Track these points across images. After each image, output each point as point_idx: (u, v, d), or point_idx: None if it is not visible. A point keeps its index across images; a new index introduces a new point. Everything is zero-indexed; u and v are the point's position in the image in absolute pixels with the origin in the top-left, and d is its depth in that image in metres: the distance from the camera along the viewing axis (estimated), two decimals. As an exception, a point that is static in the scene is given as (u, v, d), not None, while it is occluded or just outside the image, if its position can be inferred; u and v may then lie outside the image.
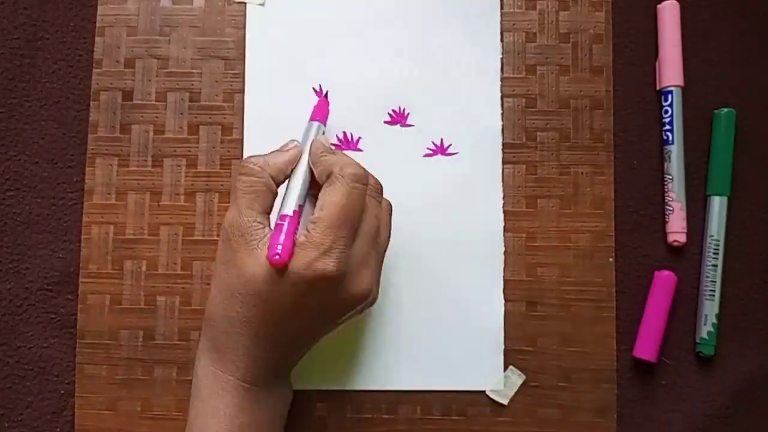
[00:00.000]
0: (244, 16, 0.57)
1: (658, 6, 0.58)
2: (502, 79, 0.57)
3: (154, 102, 0.56)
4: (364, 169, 0.46)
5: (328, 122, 0.56)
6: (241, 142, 0.56)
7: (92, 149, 0.56)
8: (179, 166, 0.56)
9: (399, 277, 0.55)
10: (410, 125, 0.56)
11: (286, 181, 0.48)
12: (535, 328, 0.55)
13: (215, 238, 0.55)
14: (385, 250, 0.49)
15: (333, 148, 0.49)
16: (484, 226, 0.56)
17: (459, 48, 0.57)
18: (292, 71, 0.57)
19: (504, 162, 0.56)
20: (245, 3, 0.57)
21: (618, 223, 0.56)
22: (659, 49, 0.58)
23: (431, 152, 0.56)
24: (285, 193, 0.47)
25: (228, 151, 0.56)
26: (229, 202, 0.55)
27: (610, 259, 0.56)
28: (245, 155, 0.56)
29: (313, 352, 0.54)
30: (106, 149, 0.56)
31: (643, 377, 0.55)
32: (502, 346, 0.55)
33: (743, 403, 0.56)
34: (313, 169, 0.48)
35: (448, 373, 0.55)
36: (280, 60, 0.57)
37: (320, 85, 0.56)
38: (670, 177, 0.56)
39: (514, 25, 0.58)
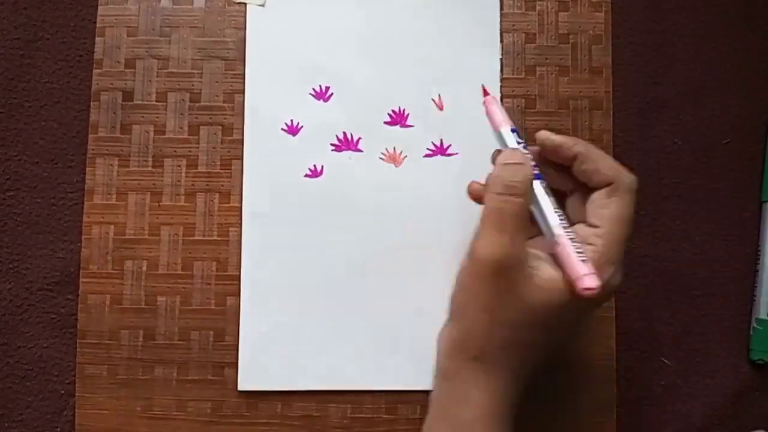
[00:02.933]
0: (245, 16, 0.57)
1: None
2: (502, 79, 0.57)
3: (154, 102, 0.56)
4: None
5: (329, 122, 0.56)
6: (241, 142, 0.56)
7: (93, 149, 0.56)
8: (180, 166, 0.56)
9: (399, 278, 0.55)
10: (410, 126, 0.57)
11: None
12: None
13: (215, 238, 0.55)
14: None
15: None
16: (484, 227, 0.56)
17: (459, 49, 0.57)
18: (293, 72, 0.57)
19: (504, 162, 0.57)
20: (245, 4, 0.57)
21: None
22: None
23: (431, 153, 0.56)
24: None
25: (228, 152, 0.56)
26: (228, 203, 0.56)
27: (610, 260, 0.56)
28: (245, 156, 0.56)
29: (312, 353, 0.54)
30: (107, 149, 0.56)
31: (643, 378, 0.56)
32: (502, 346, 0.55)
33: (742, 404, 0.56)
34: (580, 166, 0.45)
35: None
36: (281, 60, 0.57)
37: (321, 86, 0.56)
38: None
39: (513, 25, 0.58)
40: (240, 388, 0.54)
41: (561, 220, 0.44)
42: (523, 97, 0.57)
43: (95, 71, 0.57)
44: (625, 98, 0.58)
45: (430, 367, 0.54)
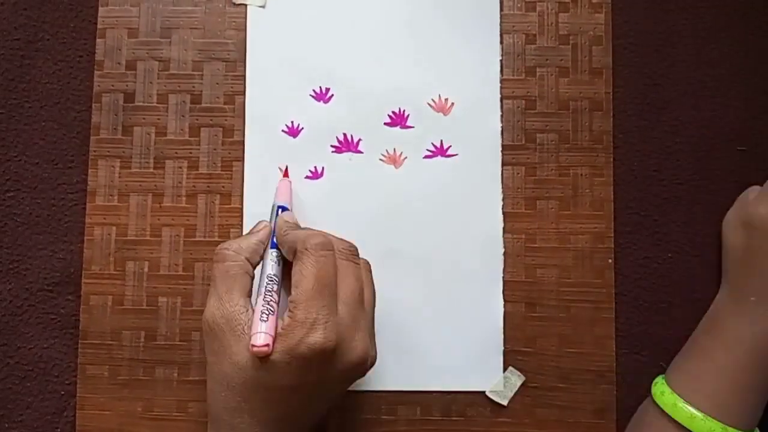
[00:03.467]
0: (245, 18, 0.57)
1: None
2: (502, 80, 0.57)
3: (155, 104, 0.57)
4: (328, 236, 0.47)
5: (329, 123, 0.56)
6: (242, 143, 0.56)
7: (94, 151, 0.56)
8: (181, 167, 0.56)
9: (399, 278, 0.55)
10: (410, 127, 0.57)
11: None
12: (534, 329, 0.55)
13: (217, 239, 0.55)
14: (373, 309, 0.49)
15: (297, 224, 0.50)
16: (484, 228, 0.56)
17: (459, 50, 0.57)
18: (293, 73, 0.57)
19: (503, 163, 0.57)
20: (246, 5, 0.57)
21: (617, 224, 0.56)
22: None
23: (431, 154, 0.56)
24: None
25: (229, 153, 0.56)
26: (229, 204, 0.56)
27: (610, 261, 0.56)
28: (246, 157, 0.56)
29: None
30: (108, 151, 0.56)
31: (643, 381, 0.56)
32: (502, 347, 0.55)
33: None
34: (281, 250, 0.48)
35: (448, 373, 0.55)
36: (281, 62, 0.57)
37: (321, 87, 0.56)
38: None
39: (513, 26, 0.58)
40: (241, 388, 0.54)
41: (269, 286, 0.46)
42: (524, 98, 0.57)
43: (96, 73, 0.57)
44: (626, 99, 0.58)
45: (430, 368, 0.55)
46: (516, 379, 0.55)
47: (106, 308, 0.55)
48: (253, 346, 0.42)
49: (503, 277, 0.56)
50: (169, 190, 0.56)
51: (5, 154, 0.56)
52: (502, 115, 0.57)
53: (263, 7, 0.57)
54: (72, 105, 0.57)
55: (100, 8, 0.57)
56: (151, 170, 0.56)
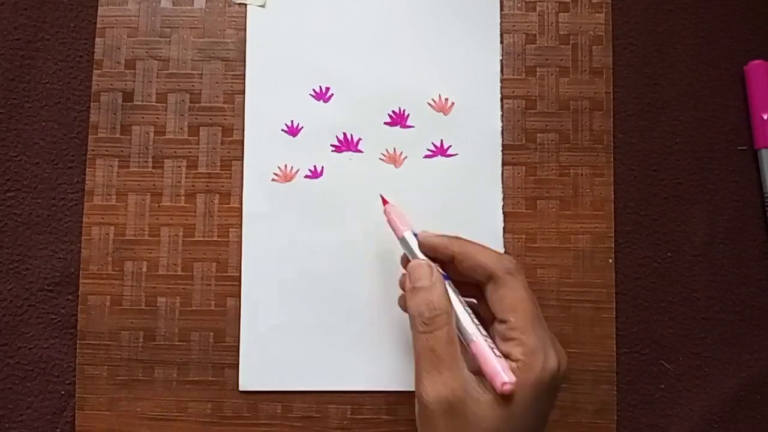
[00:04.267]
0: (245, 17, 0.57)
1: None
2: (502, 80, 0.57)
3: (154, 103, 0.57)
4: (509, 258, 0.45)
5: (329, 122, 0.56)
6: (241, 143, 0.56)
7: (93, 150, 0.56)
8: (180, 167, 0.56)
9: (398, 278, 0.55)
10: (410, 126, 0.57)
11: None
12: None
13: (216, 239, 0.55)
14: None
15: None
16: (484, 228, 0.56)
17: (459, 49, 0.57)
18: (293, 73, 0.57)
19: (504, 163, 0.57)
20: (246, 4, 0.57)
21: (617, 224, 0.56)
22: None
23: (431, 153, 0.56)
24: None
25: (228, 153, 0.56)
26: (229, 203, 0.56)
27: (610, 261, 0.56)
28: (246, 157, 0.56)
29: (313, 353, 0.54)
30: (107, 150, 0.56)
31: (643, 381, 0.56)
32: (502, 347, 0.55)
33: (741, 407, 0.56)
34: (460, 264, 0.46)
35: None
36: (281, 61, 0.57)
37: (321, 87, 0.56)
38: None
39: (513, 26, 0.58)
40: (240, 388, 0.54)
41: (473, 320, 0.44)
42: (524, 98, 0.57)
43: (95, 72, 0.57)
44: (626, 99, 0.58)
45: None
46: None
47: (105, 308, 0.55)
48: (504, 384, 0.40)
49: (503, 277, 0.56)
50: (168, 189, 0.56)
51: (5, 154, 0.56)
52: (502, 115, 0.57)
53: (263, 6, 0.57)
54: (72, 105, 0.57)
55: (99, 8, 0.57)
56: (150, 169, 0.56)
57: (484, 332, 0.44)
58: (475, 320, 0.44)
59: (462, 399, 0.41)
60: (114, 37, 0.57)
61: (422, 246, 0.48)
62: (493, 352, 0.42)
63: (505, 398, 0.41)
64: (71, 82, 0.57)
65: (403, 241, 0.49)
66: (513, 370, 0.41)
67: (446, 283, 0.45)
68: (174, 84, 0.57)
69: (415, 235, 0.49)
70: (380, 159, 0.56)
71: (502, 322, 0.43)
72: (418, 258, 0.47)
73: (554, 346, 0.43)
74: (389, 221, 0.50)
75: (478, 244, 0.47)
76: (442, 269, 0.47)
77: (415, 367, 0.43)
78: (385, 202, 0.51)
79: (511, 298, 0.43)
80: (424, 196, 0.56)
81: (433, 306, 0.43)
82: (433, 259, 0.47)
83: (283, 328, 0.55)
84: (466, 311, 0.44)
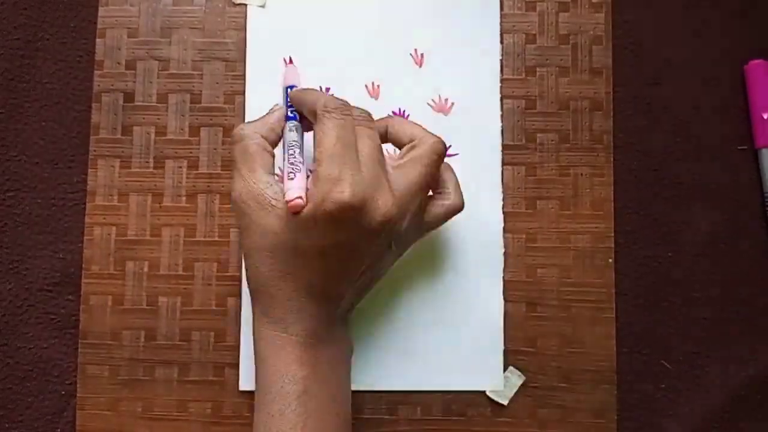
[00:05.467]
0: (245, 17, 0.57)
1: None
2: (502, 80, 0.57)
3: (155, 104, 0.57)
4: (344, 100, 0.47)
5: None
6: (242, 143, 0.56)
7: (94, 151, 0.56)
8: (181, 167, 0.56)
9: (399, 278, 0.55)
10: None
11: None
12: (534, 329, 0.55)
13: (217, 239, 0.56)
14: (419, 184, 0.48)
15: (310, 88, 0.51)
16: (484, 227, 0.56)
17: (459, 49, 0.57)
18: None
19: (503, 163, 0.57)
20: (246, 5, 0.57)
21: (617, 224, 0.56)
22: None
23: (432, 153, 0.56)
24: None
25: (229, 153, 0.56)
26: (229, 204, 0.56)
27: (610, 260, 0.56)
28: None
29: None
30: (108, 151, 0.56)
31: (643, 380, 0.56)
32: (502, 347, 0.55)
33: (742, 407, 0.56)
34: (301, 110, 0.49)
35: (448, 373, 0.55)
36: (281, 62, 0.57)
37: (321, 87, 0.56)
38: None
39: (513, 26, 0.58)
40: (241, 388, 0.54)
41: (294, 148, 0.48)
42: (524, 98, 0.57)
43: (96, 72, 0.57)
44: (626, 99, 0.58)
45: (430, 368, 0.55)
46: (516, 379, 0.55)
47: (106, 308, 0.55)
48: (287, 202, 0.43)
49: (503, 277, 0.56)
50: (169, 189, 0.56)
51: (5, 154, 0.56)
52: (502, 115, 0.57)
53: (263, 6, 0.57)
54: (72, 105, 0.57)
55: (100, 8, 0.57)
56: (151, 170, 0.56)
57: (304, 163, 0.47)
58: (301, 152, 0.48)
59: (250, 206, 0.46)
60: (114, 38, 0.57)
61: (292, 100, 0.50)
62: (295, 174, 0.45)
63: (283, 215, 0.45)
64: (71, 82, 0.57)
65: (284, 90, 0.52)
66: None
67: (291, 123, 0.49)
68: (174, 84, 0.57)
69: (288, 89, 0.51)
70: (381, 159, 0.56)
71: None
72: (279, 104, 0.51)
73: (374, 188, 0.45)
74: (284, 74, 0.54)
75: (321, 92, 0.52)
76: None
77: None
78: (290, 62, 0.57)
79: (320, 133, 0.45)
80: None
81: (257, 126, 0.49)
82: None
83: (284, 328, 0.55)
84: (294, 143, 0.48)
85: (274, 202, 0.45)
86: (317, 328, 0.47)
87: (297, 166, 0.46)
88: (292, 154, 0.47)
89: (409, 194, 0.47)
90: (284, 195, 0.44)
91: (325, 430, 0.46)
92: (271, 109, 0.51)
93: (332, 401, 0.47)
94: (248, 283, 0.48)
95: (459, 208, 0.51)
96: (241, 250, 0.47)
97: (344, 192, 0.43)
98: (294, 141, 0.48)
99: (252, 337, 0.48)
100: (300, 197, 0.43)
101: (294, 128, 0.49)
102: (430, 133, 0.49)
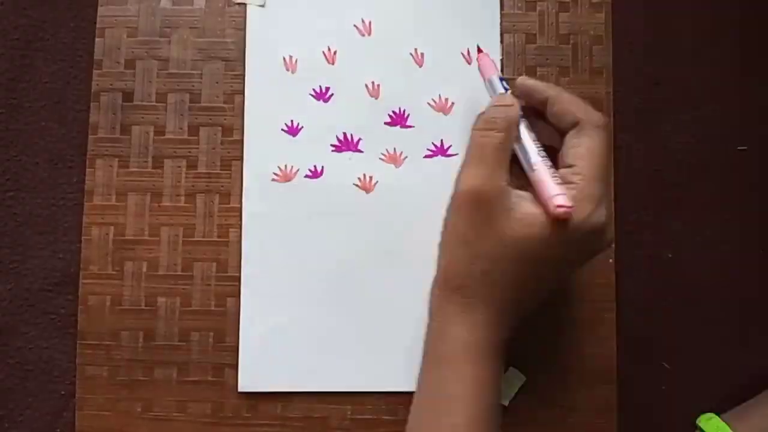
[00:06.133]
0: (245, 17, 0.57)
1: None
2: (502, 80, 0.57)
3: (154, 103, 0.56)
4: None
5: (329, 122, 0.56)
6: (241, 143, 0.56)
7: (92, 150, 0.56)
8: (179, 167, 0.56)
9: (399, 278, 0.55)
10: (410, 126, 0.57)
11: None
12: (535, 329, 0.55)
13: (216, 239, 0.55)
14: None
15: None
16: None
17: (459, 49, 0.57)
18: (293, 72, 0.57)
19: (504, 163, 0.57)
20: (245, 4, 0.57)
21: (617, 224, 0.56)
22: None
23: (431, 153, 0.56)
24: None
25: (228, 153, 0.56)
26: (229, 203, 0.56)
27: (610, 261, 0.56)
28: (245, 157, 0.56)
29: (313, 354, 0.54)
30: (107, 150, 0.56)
31: (643, 381, 0.56)
32: (502, 347, 0.55)
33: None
34: (551, 108, 0.47)
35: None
36: (281, 61, 0.57)
37: (321, 87, 0.56)
38: None
39: (514, 26, 0.58)
40: (240, 389, 0.54)
41: (540, 153, 0.45)
42: (524, 97, 0.57)
43: (95, 72, 0.57)
44: (626, 98, 0.58)
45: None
46: (516, 380, 0.55)
47: (105, 309, 0.55)
48: (559, 206, 0.41)
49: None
50: (168, 189, 0.56)
51: (5, 154, 0.56)
52: (502, 115, 0.57)
53: (263, 6, 0.57)
54: (72, 105, 0.57)
55: (99, 7, 0.57)
56: (150, 169, 0.56)
57: (551, 165, 0.45)
58: (543, 154, 0.45)
59: (490, 199, 0.43)
60: (114, 37, 0.57)
61: (518, 88, 0.48)
62: (556, 179, 0.43)
63: (529, 225, 0.42)
64: (71, 82, 0.57)
65: (489, 84, 0.50)
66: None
67: (523, 120, 0.46)
68: (174, 84, 0.57)
69: (501, 80, 0.49)
70: (380, 159, 0.56)
71: (569, 166, 0.44)
72: (506, 95, 0.48)
73: (609, 209, 0.44)
74: (480, 65, 0.51)
75: (573, 95, 0.47)
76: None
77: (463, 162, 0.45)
78: (480, 50, 0.52)
79: (586, 146, 0.44)
80: (424, 196, 0.56)
81: (502, 113, 0.45)
82: (534, 116, 0.48)
83: (283, 328, 0.55)
84: (536, 146, 0.45)
85: (516, 207, 0.43)
86: (506, 341, 0.46)
87: (554, 172, 0.44)
88: (545, 158, 0.45)
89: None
90: (548, 199, 0.42)
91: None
92: (501, 99, 0.47)
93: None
94: (452, 284, 0.45)
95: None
96: (452, 252, 0.45)
97: (603, 216, 0.43)
98: (541, 148, 0.46)
99: (428, 333, 0.47)
100: (566, 206, 0.42)
101: (531, 131, 0.47)
102: (591, 109, 0.46)
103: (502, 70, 0.57)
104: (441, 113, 0.57)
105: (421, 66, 0.57)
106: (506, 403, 0.55)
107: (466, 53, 0.57)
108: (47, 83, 0.57)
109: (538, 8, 0.58)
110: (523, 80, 0.48)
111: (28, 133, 0.57)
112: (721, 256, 0.57)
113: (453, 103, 0.57)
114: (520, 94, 0.48)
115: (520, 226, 0.42)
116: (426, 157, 0.56)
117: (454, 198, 0.45)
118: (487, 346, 0.44)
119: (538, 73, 0.57)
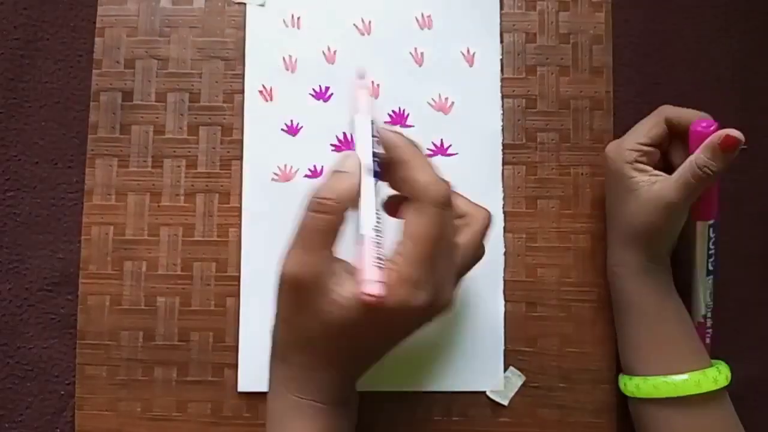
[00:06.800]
0: (244, 16, 0.57)
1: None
2: (502, 79, 0.57)
3: (153, 102, 0.56)
4: (445, 183, 0.43)
5: (329, 122, 0.56)
6: (241, 142, 0.56)
7: (92, 150, 0.56)
8: (179, 166, 0.56)
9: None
10: (410, 126, 0.56)
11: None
12: (535, 329, 0.55)
13: (215, 239, 0.55)
14: (469, 263, 0.47)
15: (410, 141, 0.45)
16: (484, 227, 0.56)
17: (459, 49, 0.57)
18: (292, 72, 0.57)
19: (504, 162, 0.57)
20: (245, 3, 0.57)
21: (618, 223, 0.56)
22: None
23: (431, 153, 0.56)
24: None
25: (228, 152, 0.56)
26: (228, 203, 0.56)
27: (610, 260, 0.56)
28: (245, 156, 0.56)
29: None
30: (106, 150, 0.56)
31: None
32: (502, 347, 0.55)
33: (742, 407, 0.55)
34: (396, 173, 0.44)
35: (449, 374, 0.55)
36: (280, 61, 0.57)
37: (320, 86, 0.56)
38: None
39: (514, 25, 0.58)
40: (240, 389, 0.54)
41: (378, 222, 0.42)
42: (524, 97, 0.57)
43: (95, 71, 0.57)
44: (626, 98, 0.58)
45: (431, 369, 0.55)
46: (516, 379, 0.55)
47: (104, 308, 0.55)
48: (368, 294, 0.40)
49: (504, 277, 0.56)
50: (168, 189, 0.56)
51: (5, 154, 0.56)
52: (502, 114, 0.57)
53: (262, 5, 0.57)
54: (72, 104, 0.57)
55: (99, 7, 0.57)
56: (149, 169, 0.56)
57: (380, 239, 0.42)
58: (378, 225, 0.42)
59: (308, 284, 0.42)
60: (113, 37, 0.57)
61: (382, 137, 0.45)
62: (379, 260, 0.41)
63: (347, 309, 0.41)
64: (71, 81, 0.57)
65: (352, 123, 0.46)
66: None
67: (372, 179, 0.43)
68: (173, 83, 0.57)
69: (372, 123, 0.45)
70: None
71: (397, 243, 0.42)
72: (353, 154, 0.44)
73: (442, 287, 0.43)
74: (355, 95, 0.46)
75: (431, 163, 0.44)
76: (385, 173, 0.44)
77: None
78: (360, 76, 0.48)
79: (416, 224, 0.41)
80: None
81: (335, 192, 0.42)
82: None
83: (283, 327, 0.55)
84: (377, 215, 0.42)
85: (336, 288, 0.41)
86: (345, 392, 0.46)
87: (381, 257, 0.41)
88: (378, 241, 0.42)
89: (466, 271, 0.47)
90: (355, 282, 0.41)
91: None
92: (344, 162, 0.43)
93: None
94: (278, 352, 0.45)
95: (488, 219, 0.48)
96: (280, 325, 0.45)
97: (420, 299, 0.41)
98: (379, 222, 0.42)
99: (269, 399, 0.47)
100: (383, 297, 0.40)
101: (377, 190, 0.43)
102: (478, 206, 0.47)
103: (502, 70, 0.57)
104: (441, 113, 0.57)
105: (421, 66, 0.57)
106: (506, 403, 0.55)
107: (466, 53, 0.57)
108: (47, 83, 0.57)
109: (538, 8, 0.58)
110: (384, 133, 0.45)
111: (27, 133, 0.57)
112: (720, 255, 0.57)
113: (453, 103, 0.57)
114: (384, 144, 0.45)
115: (337, 308, 0.41)
116: (426, 156, 0.56)
117: (279, 278, 0.43)
118: (314, 406, 0.45)
119: (538, 72, 0.57)
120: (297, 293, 0.42)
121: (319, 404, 0.45)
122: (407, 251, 0.41)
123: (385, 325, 0.43)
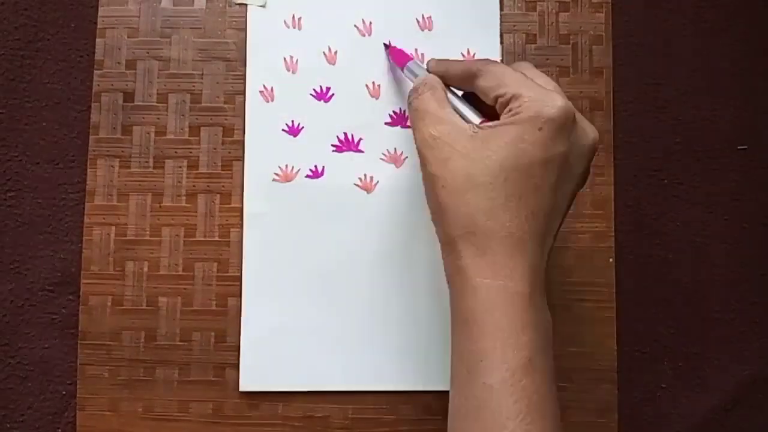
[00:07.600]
0: (245, 17, 0.57)
1: None
2: (503, 80, 0.57)
3: (155, 103, 0.56)
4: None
5: (329, 122, 0.56)
6: (242, 143, 0.56)
7: (93, 151, 0.56)
8: (180, 167, 0.56)
9: (400, 278, 0.55)
10: (411, 126, 0.56)
11: None
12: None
13: (217, 239, 0.56)
14: None
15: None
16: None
17: (459, 49, 0.57)
18: (293, 72, 0.57)
19: (504, 163, 0.57)
20: (246, 4, 0.57)
21: (617, 224, 0.56)
22: None
23: (432, 153, 0.56)
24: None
25: (229, 153, 0.56)
26: (230, 204, 0.56)
27: (611, 260, 0.56)
28: (246, 157, 0.56)
29: (314, 353, 0.54)
30: (108, 150, 0.56)
31: (644, 380, 0.56)
32: (503, 347, 0.55)
33: (742, 407, 0.56)
34: (479, 84, 0.45)
35: (449, 373, 0.55)
36: (281, 61, 0.57)
37: (321, 87, 0.56)
38: None
39: (514, 26, 0.58)
40: (241, 389, 0.54)
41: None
42: (524, 97, 0.57)
43: (96, 72, 0.57)
44: (626, 99, 0.58)
45: (432, 368, 0.55)
46: (517, 379, 0.55)
47: (106, 309, 0.55)
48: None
49: (504, 277, 0.56)
50: (169, 189, 0.56)
51: (5, 154, 0.56)
52: (502, 115, 0.57)
53: (263, 6, 0.57)
54: (72, 105, 0.57)
55: (100, 8, 0.57)
56: (151, 170, 0.56)
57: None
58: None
59: (443, 134, 0.43)
60: (114, 38, 0.57)
61: (435, 68, 0.49)
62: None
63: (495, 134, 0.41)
64: (72, 82, 0.57)
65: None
66: (517, 107, 0.41)
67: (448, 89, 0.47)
68: (175, 84, 0.57)
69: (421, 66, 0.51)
70: (381, 159, 0.56)
71: (498, 98, 0.43)
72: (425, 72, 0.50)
73: (561, 94, 0.42)
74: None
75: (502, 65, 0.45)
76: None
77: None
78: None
79: (494, 79, 0.43)
80: (425, 196, 0.56)
81: (424, 80, 0.46)
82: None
83: (285, 328, 0.55)
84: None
85: (475, 129, 0.42)
86: (537, 279, 0.41)
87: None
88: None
89: None
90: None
91: (546, 411, 0.40)
92: (419, 81, 0.47)
93: (551, 382, 0.41)
94: (448, 232, 0.42)
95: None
96: (432, 200, 0.44)
97: (561, 100, 0.41)
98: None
99: (451, 297, 0.43)
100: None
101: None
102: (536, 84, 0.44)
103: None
104: (441, 113, 0.57)
105: (421, 66, 0.57)
106: (507, 402, 0.55)
107: (466, 54, 0.57)
108: (48, 83, 0.57)
109: (538, 8, 0.58)
110: (438, 61, 0.50)
111: (28, 134, 0.57)
112: (721, 255, 0.57)
113: (453, 104, 0.57)
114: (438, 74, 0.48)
115: (479, 141, 0.41)
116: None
117: (419, 153, 0.44)
118: (513, 289, 0.40)
119: (538, 73, 0.57)
120: (438, 148, 0.43)
121: (514, 285, 0.40)
122: (506, 89, 0.42)
123: (546, 138, 0.41)
